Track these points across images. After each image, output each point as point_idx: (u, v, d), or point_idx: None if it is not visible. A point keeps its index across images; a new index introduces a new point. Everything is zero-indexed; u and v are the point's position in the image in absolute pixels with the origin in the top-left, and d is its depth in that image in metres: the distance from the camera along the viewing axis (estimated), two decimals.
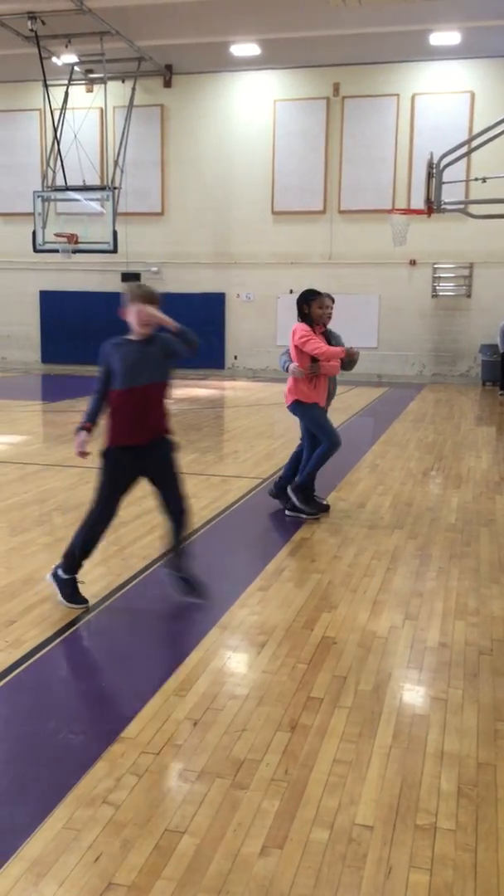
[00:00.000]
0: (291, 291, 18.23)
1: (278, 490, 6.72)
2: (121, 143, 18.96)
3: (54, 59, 18.05)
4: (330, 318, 6.61)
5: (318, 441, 6.57)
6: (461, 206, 13.86)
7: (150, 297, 4.41)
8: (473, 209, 13.86)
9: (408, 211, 15.49)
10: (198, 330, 17.36)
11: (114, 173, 18.78)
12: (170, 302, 18.98)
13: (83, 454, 4.51)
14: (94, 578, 5.01)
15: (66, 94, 18.55)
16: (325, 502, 6.79)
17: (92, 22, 16.04)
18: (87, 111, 19.22)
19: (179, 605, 4.70)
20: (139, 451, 4.45)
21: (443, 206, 12.65)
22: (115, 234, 18.04)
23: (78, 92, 19.30)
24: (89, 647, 4.13)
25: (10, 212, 21.22)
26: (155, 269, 20.68)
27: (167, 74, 19.80)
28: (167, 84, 19.98)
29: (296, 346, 6.34)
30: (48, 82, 18.05)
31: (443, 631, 4.32)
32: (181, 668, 3.81)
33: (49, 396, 16.83)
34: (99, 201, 18.38)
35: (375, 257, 19.18)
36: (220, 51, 18.11)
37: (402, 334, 19.56)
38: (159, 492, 4.59)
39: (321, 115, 19.29)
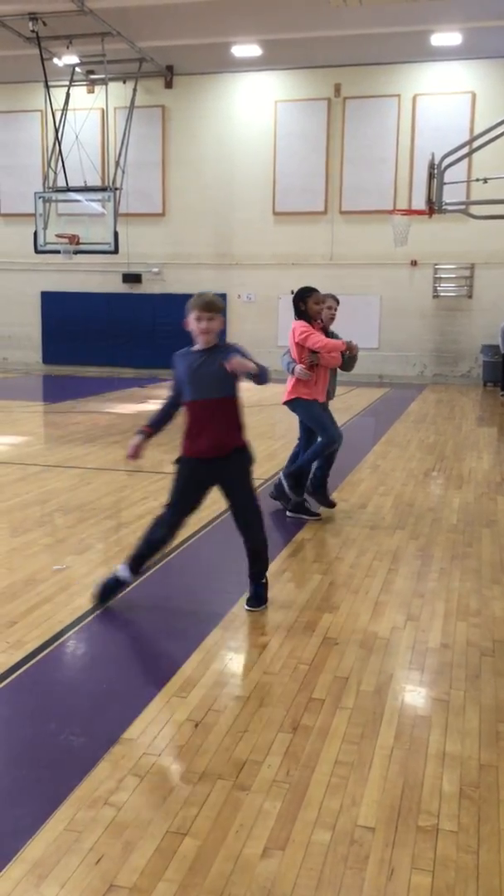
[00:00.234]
0: (292, 292, 18.16)
1: (279, 492, 6.72)
2: (122, 144, 18.97)
3: (55, 60, 18.06)
4: (333, 319, 6.62)
5: (316, 439, 6.57)
6: (462, 207, 13.86)
7: (206, 306, 4.28)
8: (474, 210, 13.86)
9: (409, 211, 15.48)
10: None
11: (115, 174, 18.78)
12: (171, 303, 19.12)
13: (132, 457, 4.50)
14: (96, 579, 5.01)
15: (68, 94, 18.56)
16: (332, 500, 6.80)
17: (93, 23, 16.05)
18: (89, 112, 19.23)
19: (181, 605, 4.70)
20: (209, 463, 4.39)
21: (444, 207, 12.65)
22: (116, 234, 18.05)
23: (79, 93, 19.30)
24: (90, 649, 4.13)
25: (12, 213, 21.25)
26: (156, 269, 20.69)
27: (168, 75, 19.81)
28: (168, 85, 19.99)
29: (297, 344, 6.34)
30: (49, 83, 18.07)
31: (444, 632, 4.32)
32: (182, 669, 3.80)
33: (50, 397, 16.83)
34: (100, 202, 18.39)
35: (376, 258, 19.17)
36: (221, 52, 18.12)
37: (403, 335, 19.56)
38: (229, 504, 4.56)
39: (322, 116, 19.29)
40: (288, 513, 6.58)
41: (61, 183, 18.48)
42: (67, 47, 17.31)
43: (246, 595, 4.70)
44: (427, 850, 2.59)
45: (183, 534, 5.96)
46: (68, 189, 18.33)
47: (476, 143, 13.22)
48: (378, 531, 6.23)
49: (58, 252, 18.42)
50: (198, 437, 4.37)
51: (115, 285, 21.04)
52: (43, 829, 2.65)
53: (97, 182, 19.14)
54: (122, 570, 4.56)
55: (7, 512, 6.58)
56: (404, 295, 19.43)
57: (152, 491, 7.36)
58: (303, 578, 5.16)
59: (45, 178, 19.43)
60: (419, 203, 14.60)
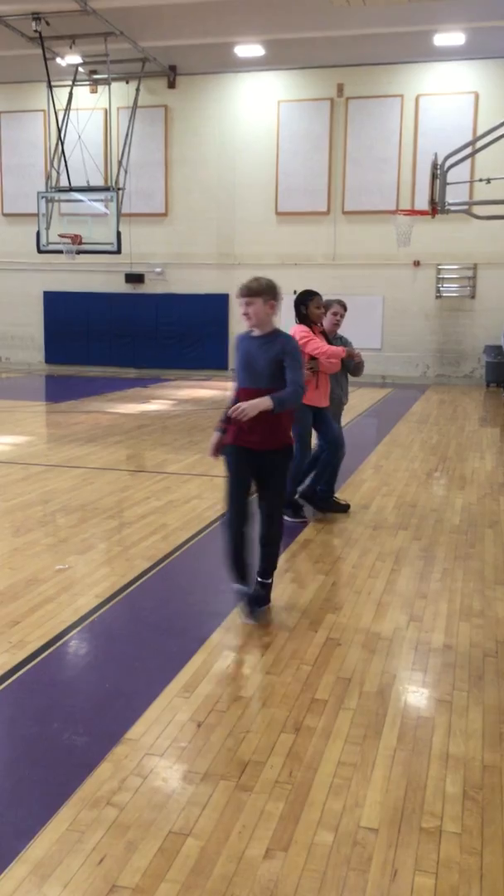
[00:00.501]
0: (295, 292, 18.19)
1: (304, 498, 6.68)
2: (125, 144, 18.97)
3: (58, 60, 18.07)
4: (339, 325, 6.61)
5: (332, 444, 6.50)
6: (465, 207, 13.84)
7: (242, 291, 4.14)
8: (477, 210, 13.84)
9: (412, 212, 15.47)
10: (201, 331, 17.39)
11: (117, 174, 18.80)
12: (173, 303, 19.04)
13: (214, 455, 4.45)
14: (98, 579, 5.01)
15: (71, 94, 18.56)
16: (343, 502, 6.77)
17: (96, 23, 16.05)
18: (91, 112, 19.23)
19: (183, 606, 4.69)
20: (251, 453, 4.30)
21: (447, 207, 12.64)
22: (118, 234, 18.05)
23: (82, 93, 19.31)
24: (93, 648, 4.12)
25: (15, 212, 21.26)
26: (158, 269, 20.69)
27: (171, 75, 19.81)
28: (171, 85, 19.99)
29: None
30: (52, 83, 18.08)
31: (447, 633, 4.31)
32: (185, 669, 3.80)
33: (52, 397, 16.84)
34: (103, 202, 18.39)
35: (379, 258, 19.16)
36: (224, 52, 18.11)
37: (405, 335, 19.54)
38: (258, 493, 4.48)
39: (325, 116, 19.28)
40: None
41: (64, 183, 18.48)
42: (70, 47, 17.31)
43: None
44: (430, 851, 2.58)
45: (184, 534, 5.98)
46: (71, 189, 18.33)
47: (479, 144, 13.21)
48: (381, 532, 6.22)
49: (60, 252, 18.43)
50: (242, 426, 4.22)
51: (118, 285, 21.04)
52: (45, 829, 2.65)
53: (100, 182, 19.15)
54: (238, 588, 4.41)
55: (9, 512, 6.58)
56: (407, 295, 19.42)
57: (155, 491, 7.36)
58: (305, 579, 5.15)
59: (48, 177, 19.43)
60: (422, 203, 14.58)
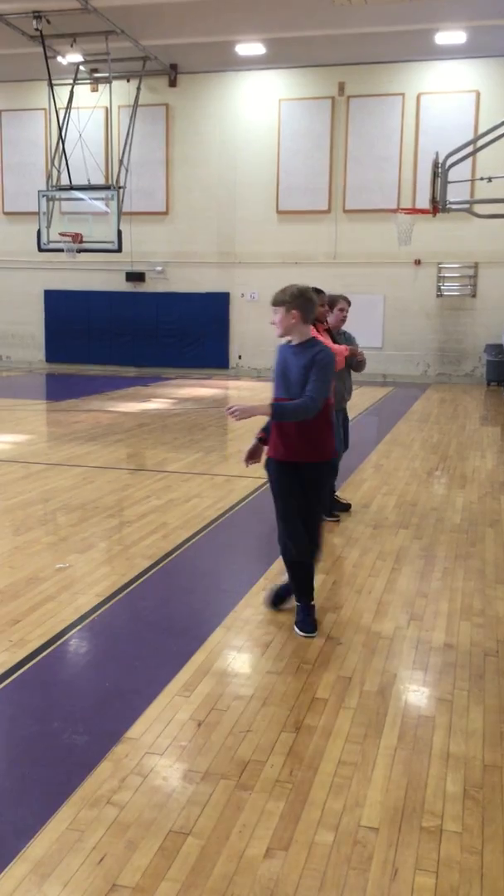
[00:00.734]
0: None
1: None
2: (125, 143, 18.96)
3: (59, 59, 18.06)
4: (345, 320, 6.63)
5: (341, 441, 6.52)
6: (466, 206, 13.83)
7: (272, 300, 4.10)
8: (478, 209, 13.84)
9: (413, 210, 15.45)
10: (202, 329, 17.42)
11: (118, 172, 18.79)
12: (174, 301, 19.02)
13: (248, 462, 4.37)
14: (98, 578, 5.01)
15: (71, 93, 18.55)
16: (344, 501, 6.77)
17: (97, 21, 16.04)
18: (92, 110, 19.22)
19: (183, 605, 4.69)
20: (292, 465, 4.21)
21: (448, 206, 12.63)
22: (119, 233, 18.05)
23: (83, 91, 19.30)
24: (93, 647, 4.12)
25: (15, 211, 21.25)
26: (159, 268, 20.68)
27: (172, 74, 19.80)
28: (172, 83, 19.98)
29: None
30: (53, 82, 18.07)
31: (448, 632, 4.31)
32: (185, 668, 3.80)
33: (53, 396, 16.84)
34: (103, 200, 18.38)
35: (380, 257, 19.15)
36: (225, 50, 18.10)
37: (406, 334, 19.54)
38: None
39: (326, 115, 19.27)
40: None
41: (65, 181, 18.48)
42: (71, 45, 17.30)
43: (248, 595, 4.69)
44: (431, 850, 2.57)
45: (184, 534, 5.98)
46: (72, 187, 18.32)
47: (480, 142, 13.20)
48: (381, 530, 6.22)
49: (61, 250, 18.42)
50: (278, 438, 4.20)
51: (119, 284, 21.04)
52: (45, 828, 2.64)
53: (101, 180, 19.13)
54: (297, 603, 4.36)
55: (9, 510, 6.58)
56: (408, 294, 19.41)
57: (155, 490, 7.36)
58: None
59: (49, 176, 19.43)
60: (423, 202, 14.54)
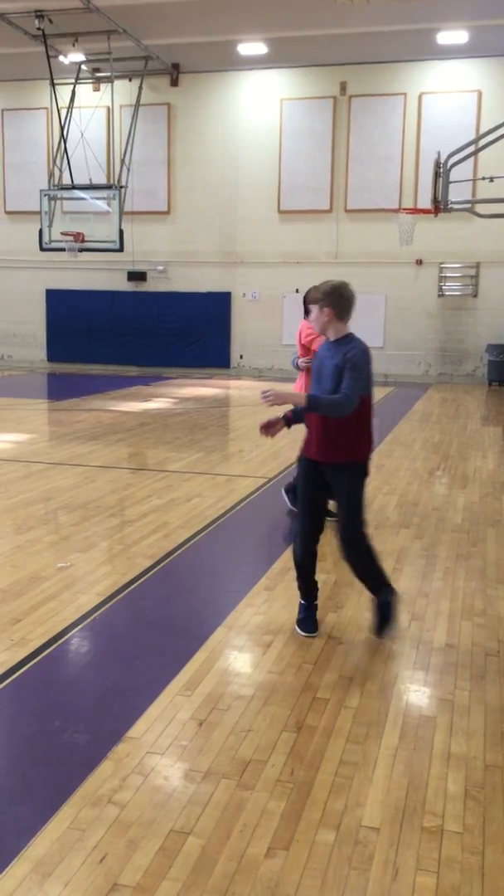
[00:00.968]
0: (297, 290, 18.21)
1: (291, 487, 6.68)
2: (127, 142, 18.95)
3: (61, 58, 18.06)
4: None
5: None
6: (468, 206, 13.82)
7: (311, 298, 4.04)
8: (480, 208, 13.82)
9: (414, 210, 15.45)
10: (203, 329, 17.37)
11: (120, 172, 18.78)
12: (175, 301, 18.98)
13: (264, 431, 4.15)
14: (100, 577, 5.01)
15: (73, 92, 18.55)
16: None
17: (99, 20, 16.04)
18: (94, 110, 19.22)
19: (184, 604, 4.69)
20: (316, 464, 4.13)
21: (450, 206, 12.62)
22: (121, 232, 18.05)
23: (85, 90, 19.30)
24: (94, 646, 4.12)
25: (17, 210, 21.26)
26: (161, 267, 20.68)
27: (174, 73, 19.79)
28: (174, 83, 19.97)
29: (303, 345, 6.35)
30: (55, 81, 18.07)
31: (449, 632, 4.30)
32: (186, 667, 3.80)
33: (54, 395, 16.84)
34: (105, 200, 18.39)
35: (382, 257, 19.13)
36: (227, 50, 18.09)
37: (408, 334, 19.53)
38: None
39: (328, 114, 19.26)
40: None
41: (66, 181, 18.48)
42: (73, 45, 17.30)
43: (249, 595, 4.68)
44: (432, 850, 2.57)
45: (185, 533, 5.98)
46: (73, 187, 18.33)
47: (482, 142, 13.18)
48: (382, 530, 6.21)
49: (63, 250, 18.42)
50: (310, 436, 4.15)
51: (120, 283, 21.04)
52: (46, 827, 2.65)
53: (102, 180, 19.14)
54: (301, 603, 4.32)
55: (11, 509, 6.58)
56: (409, 294, 19.40)
57: (156, 489, 7.36)
58: None
59: (51, 175, 19.44)
60: (425, 202, 14.53)
